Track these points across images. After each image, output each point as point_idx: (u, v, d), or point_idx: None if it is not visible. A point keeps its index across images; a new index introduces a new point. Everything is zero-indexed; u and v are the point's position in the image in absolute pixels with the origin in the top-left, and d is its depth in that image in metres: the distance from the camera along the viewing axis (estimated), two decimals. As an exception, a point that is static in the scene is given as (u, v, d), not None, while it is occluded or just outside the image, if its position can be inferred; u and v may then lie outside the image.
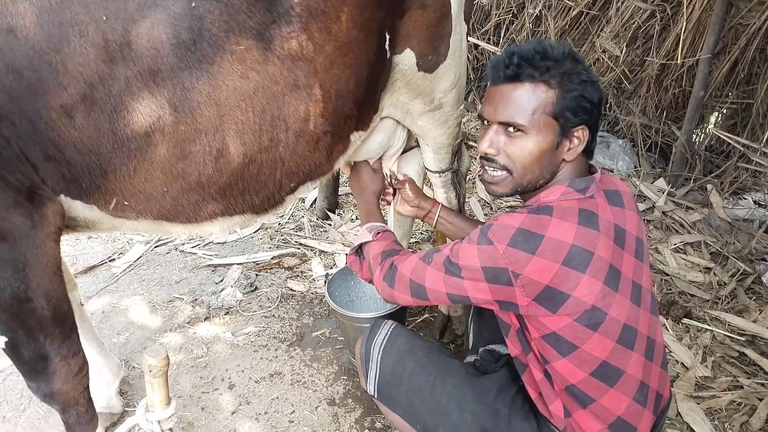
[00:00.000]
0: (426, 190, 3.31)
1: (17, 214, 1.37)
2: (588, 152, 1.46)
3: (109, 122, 1.37)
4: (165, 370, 1.52)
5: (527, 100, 1.38)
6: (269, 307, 2.88)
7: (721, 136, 3.84)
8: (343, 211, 3.71)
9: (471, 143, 4.37)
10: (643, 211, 3.74)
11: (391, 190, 2.18)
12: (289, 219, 3.64)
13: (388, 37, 1.75)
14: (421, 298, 1.53)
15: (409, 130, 2.23)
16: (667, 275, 3.16)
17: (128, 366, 2.49)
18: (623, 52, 4.15)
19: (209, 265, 3.18)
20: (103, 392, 2.16)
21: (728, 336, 2.73)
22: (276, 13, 1.45)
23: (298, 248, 3.35)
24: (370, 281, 1.73)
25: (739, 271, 3.16)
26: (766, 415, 2.30)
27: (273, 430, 2.21)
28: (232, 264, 3.19)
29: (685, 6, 3.75)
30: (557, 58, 1.38)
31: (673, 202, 3.82)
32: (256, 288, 3.00)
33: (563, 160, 1.43)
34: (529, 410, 1.56)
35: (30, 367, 1.58)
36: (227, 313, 2.82)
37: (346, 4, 1.56)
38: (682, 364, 2.57)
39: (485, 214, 3.69)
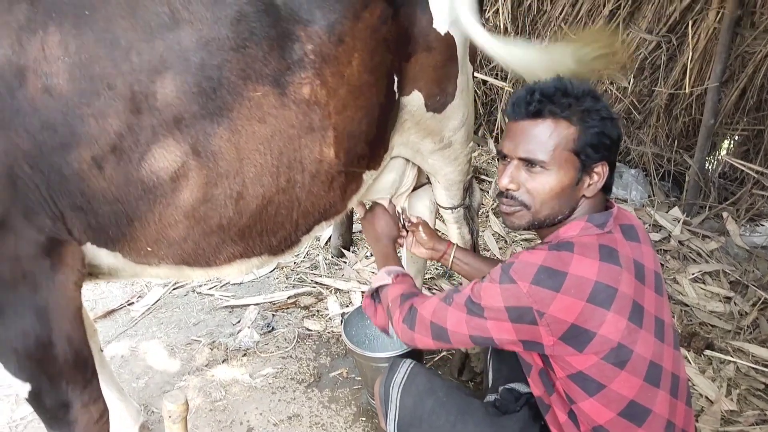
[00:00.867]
0: (438, 225, 3.32)
1: (41, 260, 1.39)
2: (606, 188, 1.47)
3: (137, 171, 1.41)
4: (184, 415, 1.53)
5: (549, 136, 1.39)
6: (286, 347, 2.88)
7: (734, 163, 3.84)
8: (358, 249, 3.72)
9: (482, 177, 4.40)
10: (659, 240, 3.72)
11: (404, 233, 2.18)
12: (304, 258, 3.66)
13: (396, 79, 1.79)
14: (442, 340, 1.50)
15: (419, 168, 2.26)
16: (687, 306, 3.13)
17: (147, 411, 2.48)
18: (631, 83, 4.18)
19: (226, 306, 3.20)
20: (123, 438, 2.16)
21: (752, 368, 2.67)
22: (290, 60, 1.50)
23: (314, 287, 3.36)
24: (384, 329, 1.71)
25: (760, 299, 3.11)
26: (797, 449, 2.24)
27: (293, 473, 2.19)
28: (248, 305, 3.20)
29: (690, 36, 3.80)
30: (578, 95, 1.40)
31: (689, 231, 3.79)
32: (273, 328, 3.00)
33: (583, 196, 1.44)
34: (551, 451, 1.53)
35: (51, 414, 1.58)
36: (245, 355, 2.82)
37: (357, 48, 1.60)
38: (707, 397, 2.52)
39: (500, 248, 3.68)
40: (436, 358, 2.80)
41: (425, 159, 2.14)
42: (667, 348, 1.40)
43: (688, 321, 3.01)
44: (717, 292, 3.23)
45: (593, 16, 4.22)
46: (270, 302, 3.22)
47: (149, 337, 2.97)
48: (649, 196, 4.18)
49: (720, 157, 4.19)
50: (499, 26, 4.60)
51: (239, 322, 3.06)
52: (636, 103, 4.27)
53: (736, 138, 4.13)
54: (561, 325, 1.31)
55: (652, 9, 3.97)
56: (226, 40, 1.42)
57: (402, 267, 1.91)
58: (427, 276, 3.34)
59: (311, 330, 3.00)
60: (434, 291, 3.26)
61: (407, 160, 2.18)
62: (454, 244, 2.08)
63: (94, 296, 3.28)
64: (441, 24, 1.81)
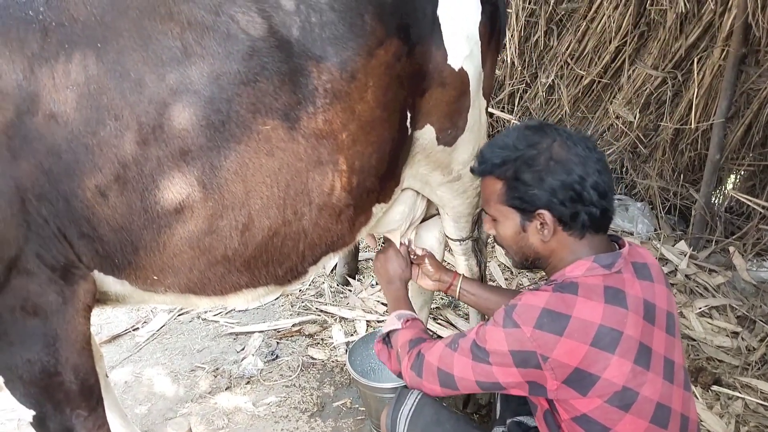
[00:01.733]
0: (447, 256, 3.33)
1: (51, 290, 1.41)
2: (595, 227, 1.44)
3: (141, 200, 1.43)
4: (188, 443, 1.52)
5: (488, 192, 1.53)
6: (290, 376, 2.86)
7: (741, 198, 3.84)
8: (363, 277, 3.72)
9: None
10: (666, 274, 3.70)
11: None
12: (309, 285, 3.66)
13: (409, 115, 1.81)
14: (450, 387, 1.51)
15: (428, 199, 2.27)
16: (694, 340, 3.10)
17: (149, 438, 2.48)
18: (637, 118, 4.21)
19: (231, 333, 3.19)
20: (125, 465, 2.15)
21: (761, 404, 2.64)
22: (301, 94, 1.53)
23: (319, 315, 3.35)
24: (398, 373, 1.72)
25: (767, 335, 3.09)
26: (807, 490, 2.20)
27: (294, 505, 2.16)
28: (253, 332, 3.20)
29: (695, 72, 3.83)
30: (516, 146, 1.46)
31: (696, 264, 3.78)
32: (277, 356, 3.00)
33: (543, 241, 1.46)
34: (558, 486, 1.52)
35: (56, 440, 1.58)
36: (248, 383, 2.81)
37: (370, 85, 1.63)
38: (715, 434, 2.49)
39: (506, 279, 3.68)
40: (441, 390, 2.77)
41: (434, 191, 2.15)
42: (676, 389, 1.39)
43: (695, 356, 2.99)
44: (724, 326, 3.20)
45: (599, 52, 4.27)
46: (274, 330, 3.22)
47: (153, 363, 2.96)
48: (656, 230, 4.17)
49: (726, 192, 4.19)
50: (506, 61, 4.66)
51: (243, 349, 3.06)
52: (642, 137, 4.29)
53: (742, 173, 4.13)
54: (565, 369, 1.31)
55: (658, 45, 4.01)
56: (237, 74, 1.45)
57: (413, 310, 1.91)
58: (432, 306, 3.34)
59: (315, 358, 2.99)
60: (440, 321, 3.25)
61: (417, 192, 2.20)
62: (460, 275, 2.09)
63: (99, 321, 3.29)
64: (456, 60, 1.84)
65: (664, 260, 3.83)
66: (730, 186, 4.19)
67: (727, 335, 3.14)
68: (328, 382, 2.83)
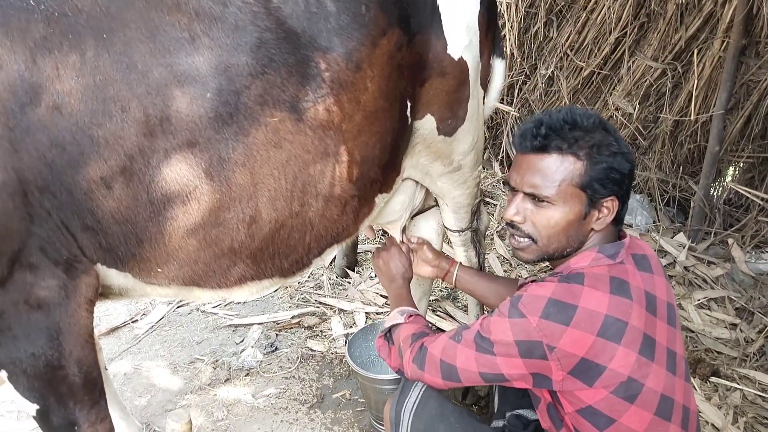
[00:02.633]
0: (445, 248, 3.33)
1: (54, 284, 1.40)
2: (618, 220, 1.45)
3: (147, 192, 1.41)
4: (189, 435, 1.52)
5: (554, 171, 1.37)
6: (289, 367, 2.86)
7: (739, 190, 3.85)
8: (362, 269, 3.72)
9: (488, 200, 4.41)
10: (664, 266, 3.71)
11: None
12: (308, 278, 3.66)
13: (409, 104, 1.81)
14: (452, 380, 1.49)
15: (426, 190, 2.27)
16: (692, 332, 3.11)
17: (149, 429, 2.47)
18: (636, 110, 4.21)
19: (230, 325, 3.19)
20: (126, 457, 2.14)
21: (759, 395, 2.66)
22: (308, 86, 1.52)
23: (318, 307, 3.35)
24: (398, 370, 1.70)
25: (766, 327, 3.10)
26: (806, 481, 2.22)
27: (296, 497, 2.16)
28: (252, 324, 3.19)
29: (695, 64, 3.83)
30: (587, 128, 1.37)
31: (695, 257, 3.79)
32: (276, 348, 2.99)
33: (592, 229, 1.43)
34: (561, 478, 1.52)
35: (58, 433, 1.58)
36: (248, 374, 2.81)
37: (374, 75, 1.62)
38: (713, 425, 2.50)
39: (505, 271, 3.68)
40: (441, 382, 2.77)
41: (434, 181, 2.15)
42: (678, 380, 1.40)
43: (694, 347, 3.00)
44: (723, 318, 3.22)
45: (599, 44, 4.26)
46: (274, 322, 3.21)
47: (152, 355, 2.95)
48: (654, 222, 4.18)
49: (725, 184, 4.20)
50: (506, 52, 4.64)
51: (243, 341, 3.05)
52: (641, 129, 4.29)
53: (742, 165, 4.14)
54: (571, 359, 1.31)
55: (658, 37, 4.01)
56: (246, 66, 1.43)
57: (415, 307, 1.90)
58: (431, 298, 3.34)
59: (315, 350, 2.99)
60: (439, 313, 3.25)
61: (417, 182, 2.19)
62: (457, 262, 2.08)
63: (98, 313, 3.26)
64: (455, 49, 1.83)
65: (663, 252, 3.84)
66: (729, 178, 4.20)
67: (726, 327, 3.16)
68: (327, 373, 2.83)
